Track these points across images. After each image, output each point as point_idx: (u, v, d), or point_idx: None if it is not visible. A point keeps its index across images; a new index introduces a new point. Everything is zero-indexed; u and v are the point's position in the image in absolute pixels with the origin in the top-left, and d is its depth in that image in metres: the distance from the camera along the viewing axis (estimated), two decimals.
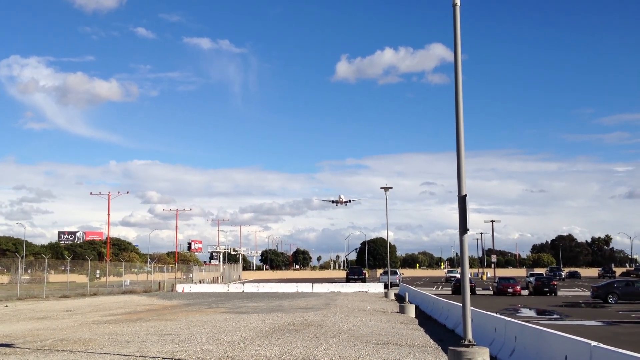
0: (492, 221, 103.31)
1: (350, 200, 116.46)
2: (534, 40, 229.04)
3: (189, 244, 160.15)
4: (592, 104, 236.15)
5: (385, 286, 54.76)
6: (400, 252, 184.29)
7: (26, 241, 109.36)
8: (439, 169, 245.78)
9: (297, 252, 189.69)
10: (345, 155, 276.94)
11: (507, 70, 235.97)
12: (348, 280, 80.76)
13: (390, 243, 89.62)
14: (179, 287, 60.36)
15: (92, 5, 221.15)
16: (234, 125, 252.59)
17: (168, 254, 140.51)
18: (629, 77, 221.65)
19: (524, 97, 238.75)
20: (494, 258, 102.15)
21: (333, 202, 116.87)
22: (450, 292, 51.63)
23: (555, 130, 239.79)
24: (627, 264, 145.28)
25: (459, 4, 14.23)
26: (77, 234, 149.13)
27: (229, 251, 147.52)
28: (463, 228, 13.37)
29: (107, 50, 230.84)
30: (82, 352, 16.73)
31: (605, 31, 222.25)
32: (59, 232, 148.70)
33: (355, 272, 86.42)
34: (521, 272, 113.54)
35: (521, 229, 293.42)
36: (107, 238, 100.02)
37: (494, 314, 19.64)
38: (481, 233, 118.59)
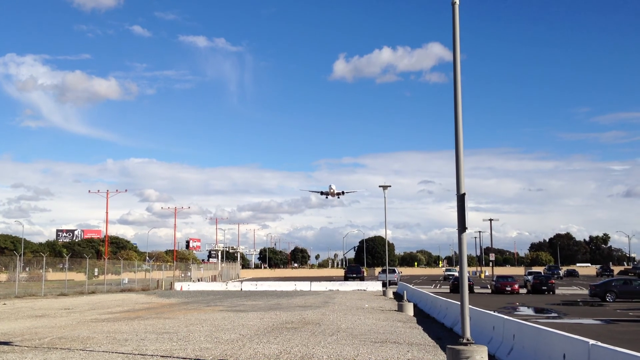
0: (491, 220, 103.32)
1: (343, 192, 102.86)
2: (530, 39, 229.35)
3: (188, 242, 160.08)
4: (588, 103, 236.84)
5: (384, 284, 54.80)
6: (399, 251, 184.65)
7: (24, 239, 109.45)
8: (437, 167, 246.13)
9: (296, 251, 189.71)
10: (343, 153, 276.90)
11: (502, 68, 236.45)
12: (346, 278, 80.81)
13: (388, 241, 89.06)
14: (177, 286, 60.34)
15: (91, 3, 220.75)
16: (230, 124, 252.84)
17: (166, 252, 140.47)
18: (625, 76, 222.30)
19: (520, 95, 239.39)
20: (492, 256, 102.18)
21: (322, 194, 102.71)
22: (448, 291, 51.69)
23: (551, 129, 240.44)
24: (625, 263, 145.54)
25: (457, 2, 14.21)
26: (76, 232, 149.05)
27: (228, 249, 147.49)
28: (462, 227, 13.36)
29: (103, 48, 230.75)
30: (80, 350, 16.73)
31: (601, 30, 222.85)
32: (57, 230, 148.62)
33: (353, 270, 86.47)
34: (519, 271, 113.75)
35: (519, 227, 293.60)
36: (105, 236, 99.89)
37: (492, 313, 19.66)
38: (479, 231, 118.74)
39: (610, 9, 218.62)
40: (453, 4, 14.21)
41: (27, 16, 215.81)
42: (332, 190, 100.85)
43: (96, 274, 77.03)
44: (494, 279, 56.22)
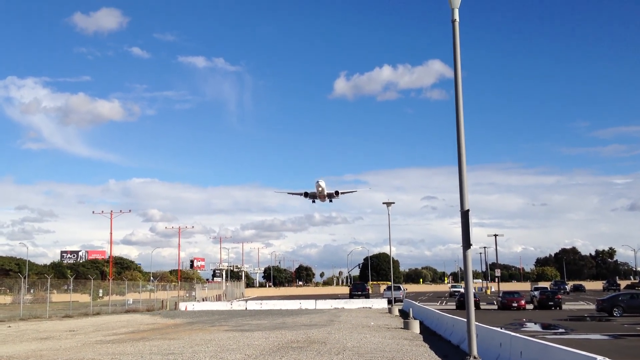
0: (496, 235, 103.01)
1: (337, 193, 77.27)
2: (529, 53, 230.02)
3: (192, 261, 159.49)
4: (588, 117, 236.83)
5: (389, 302, 54.53)
6: (404, 267, 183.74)
7: (29, 261, 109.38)
8: (438, 183, 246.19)
9: (300, 269, 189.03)
10: (344, 170, 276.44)
11: (502, 83, 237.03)
12: (351, 296, 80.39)
13: (393, 258, 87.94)
14: (182, 305, 60.15)
15: (93, 27, 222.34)
16: (230, 143, 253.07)
17: (171, 272, 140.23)
18: (624, 90, 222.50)
19: (520, 110, 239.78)
20: (497, 272, 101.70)
21: (307, 195, 77.80)
22: (454, 307, 51.38)
23: (551, 144, 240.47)
24: (631, 277, 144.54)
25: (457, 20, 14.35)
26: (80, 253, 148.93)
27: (232, 268, 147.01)
28: (466, 243, 13.37)
29: (103, 70, 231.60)
30: None
31: (600, 44, 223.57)
32: (62, 252, 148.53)
33: (358, 287, 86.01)
34: (525, 286, 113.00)
35: (524, 242, 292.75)
36: (109, 257, 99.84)
37: (498, 329, 19.55)
38: (484, 247, 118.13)
39: (610, 22, 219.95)
40: (453, 21, 14.35)
41: (27, 40, 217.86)
42: (320, 190, 74.58)
43: (101, 294, 76.79)
44: (500, 294, 55.87)
